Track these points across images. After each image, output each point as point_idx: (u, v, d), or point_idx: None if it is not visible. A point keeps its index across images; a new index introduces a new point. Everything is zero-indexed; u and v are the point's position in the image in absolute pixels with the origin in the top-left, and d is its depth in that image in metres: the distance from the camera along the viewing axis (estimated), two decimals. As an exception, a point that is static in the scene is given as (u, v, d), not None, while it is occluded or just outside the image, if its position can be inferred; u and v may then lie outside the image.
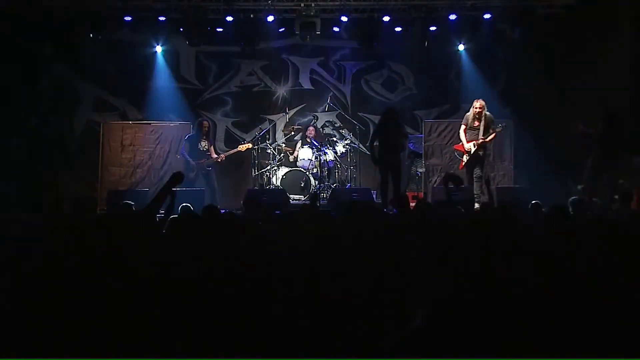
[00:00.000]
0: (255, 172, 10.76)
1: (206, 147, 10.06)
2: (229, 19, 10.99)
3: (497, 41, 11.25)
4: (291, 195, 10.02)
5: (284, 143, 11.04)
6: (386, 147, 8.95)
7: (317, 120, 11.58)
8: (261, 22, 11.11)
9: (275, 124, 11.98)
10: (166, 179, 5.21)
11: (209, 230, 3.90)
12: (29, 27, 10.38)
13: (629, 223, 4.70)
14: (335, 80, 12.11)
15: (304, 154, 10.65)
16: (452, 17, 10.90)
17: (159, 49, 11.60)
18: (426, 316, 2.32)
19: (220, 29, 11.17)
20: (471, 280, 2.53)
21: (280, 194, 9.60)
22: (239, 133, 11.95)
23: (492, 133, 9.19)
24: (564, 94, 10.77)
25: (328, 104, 11.66)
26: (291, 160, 10.86)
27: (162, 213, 5.09)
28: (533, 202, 6.68)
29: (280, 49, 11.95)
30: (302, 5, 10.93)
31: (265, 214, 5.78)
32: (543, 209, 6.31)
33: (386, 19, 10.96)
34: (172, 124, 11.36)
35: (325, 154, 10.47)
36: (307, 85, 12.10)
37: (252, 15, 11.01)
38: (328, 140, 10.99)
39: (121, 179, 10.89)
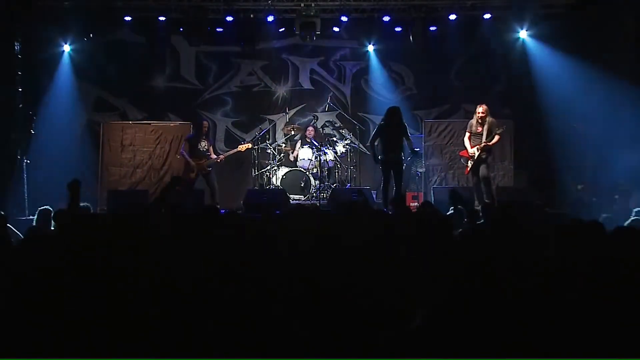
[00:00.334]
0: (255, 172, 10.77)
1: (206, 147, 10.05)
2: (229, 19, 11.00)
3: (497, 41, 11.25)
4: (291, 195, 10.02)
5: (284, 143, 11.04)
6: (388, 146, 8.96)
7: (317, 120, 11.57)
8: (261, 22, 11.12)
9: (275, 124, 11.98)
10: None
11: (209, 230, 3.90)
12: (29, 27, 10.37)
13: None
14: (335, 80, 12.11)
15: (304, 154, 10.65)
16: (452, 17, 10.91)
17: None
18: (426, 316, 2.33)
19: (220, 29, 11.19)
20: (471, 280, 2.53)
21: (280, 194, 9.60)
22: (239, 133, 11.95)
23: (496, 136, 9.18)
24: (564, 94, 10.76)
25: (328, 104, 11.66)
26: (291, 159, 10.86)
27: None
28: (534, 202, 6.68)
29: (280, 49, 11.95)
30: (302, 5, 10.94)
31: (265, 213, 5.78)
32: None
33: (386, 19, 10.97)
34: (172, 124, 11.37)
35: (325, 154, 10.48)
36: (307, 85, 12.11)
37: (252, 15, 11.03)
38: (328, 140, 10.99)
39: (121, 179, 10.90)
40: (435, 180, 10.88)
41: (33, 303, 2.65)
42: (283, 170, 10.52)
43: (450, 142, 10.86)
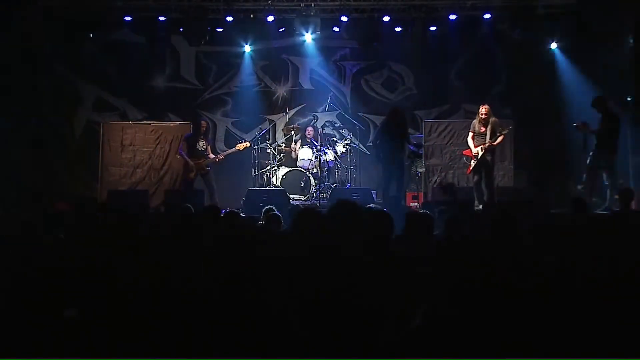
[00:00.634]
0: (255, 172, 10.75)
1: (204, 147, 10.03)
2: (229, 19, 11.00)
3: (497, 41, 11.25)
4: (291, 195, 10.02)
5: (284, 143, 11.03)
6: (390, 146, 8.96)
7: (317, 120, 11.55)
8: (261, 22, 11.12)
9: (275, 124, 11.97)
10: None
11: (209, 230, 3.90)
12: (29, 27, 10.37)
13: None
14: (335, 80, 12.11)
15: (304, 154, 10.64)
16: (452, 17, 10.91)
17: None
18: (426, 316, 2.33)
19: (220, 29, 11.19)
20: (471, 280, 2.53)
21: (280, 194, 9.59)
22: (239, 133, 11.93)
23: (499, 136, 9.17)
24: (564, 94, 10.77)
25: (328, 104, 11.65)
26: (293, 157, 10.84)
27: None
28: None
29: (280, 49, 11.94)
30: (302, 5, 10.94)
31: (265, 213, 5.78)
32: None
33: (386, 19, 10.97)
34: (172, 124, 11.37)
35: (325, 154, 10.47)
36: (307, 85, 12.10)
37: (252, 15, 11.02)
38: (328, 140, 10.99)
39: (121, 179, 10.89)
40: (435, 180, 10.87)
41: (33, 303, 2.65)
42: (283, 170, 10.51)
43: (450, 142, 10.85)
